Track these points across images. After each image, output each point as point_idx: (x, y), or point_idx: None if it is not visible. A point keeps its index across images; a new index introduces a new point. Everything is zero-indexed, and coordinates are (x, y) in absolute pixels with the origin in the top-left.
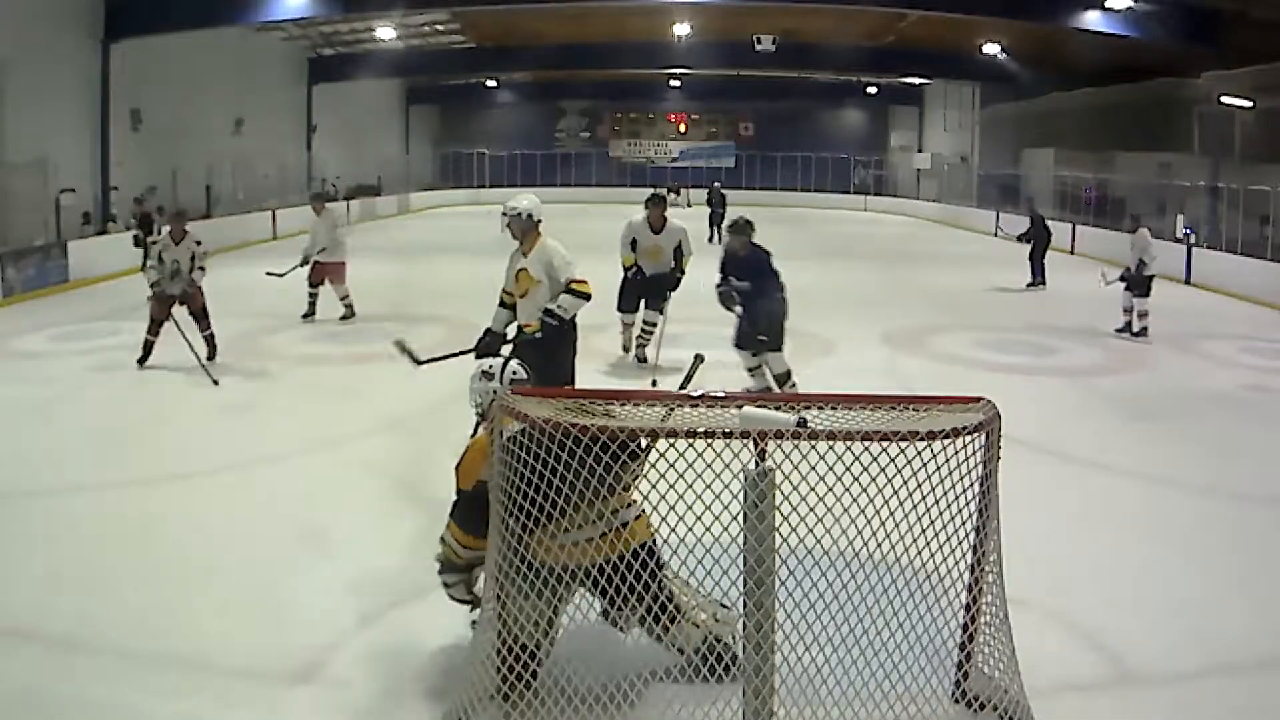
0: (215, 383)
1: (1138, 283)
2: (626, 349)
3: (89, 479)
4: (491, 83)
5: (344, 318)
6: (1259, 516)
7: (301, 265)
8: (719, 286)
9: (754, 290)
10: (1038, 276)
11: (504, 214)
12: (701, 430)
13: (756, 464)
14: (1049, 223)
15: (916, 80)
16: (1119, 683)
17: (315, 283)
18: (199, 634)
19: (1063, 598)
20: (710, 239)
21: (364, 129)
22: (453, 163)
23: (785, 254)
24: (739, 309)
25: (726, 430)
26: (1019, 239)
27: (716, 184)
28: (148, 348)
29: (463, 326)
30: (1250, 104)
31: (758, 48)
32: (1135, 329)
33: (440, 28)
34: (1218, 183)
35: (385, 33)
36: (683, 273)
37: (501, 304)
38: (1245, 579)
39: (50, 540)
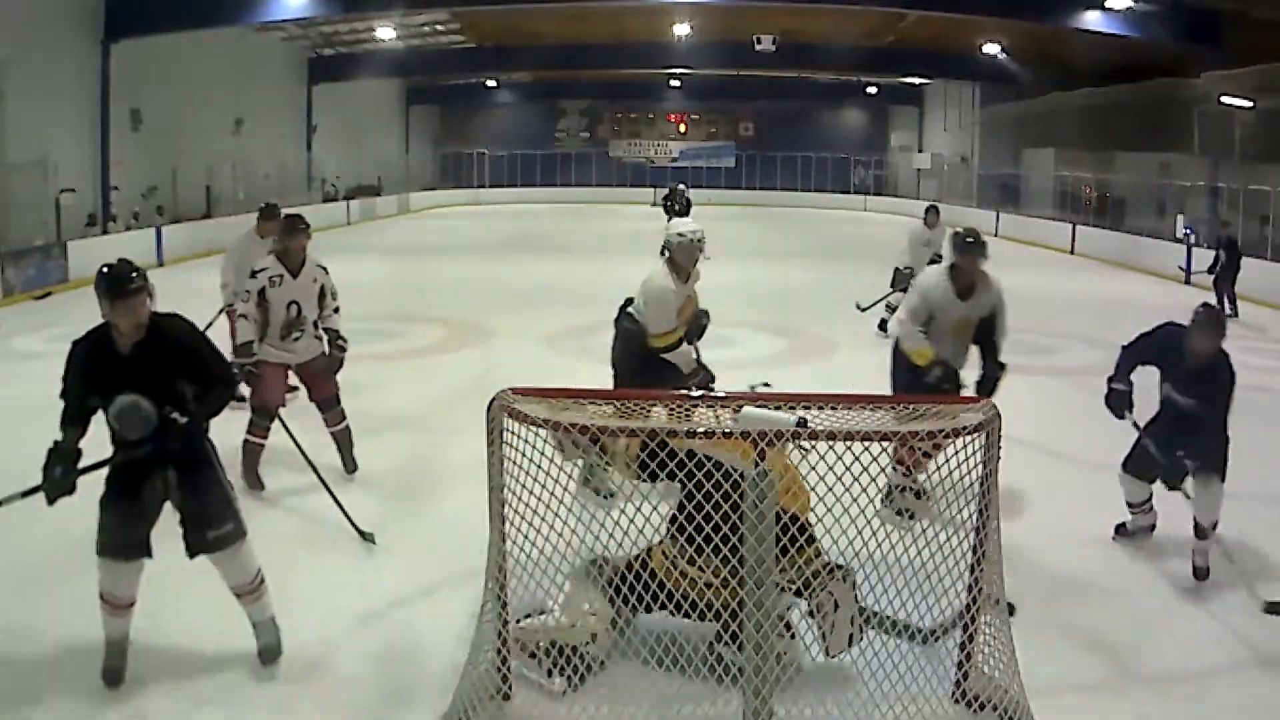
0: (369, 539)
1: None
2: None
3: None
4: (491, 83)
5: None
6: (1259, 516)
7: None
8: (1115, 384)
9: (1200, 411)
10: (1231, 306)
11: (693, 240)
12: (702, 430)
13: (756, 464)
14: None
15: (916, 80)
16: (1119, 683)
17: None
18: (200, 634)
19: (1063, 598)
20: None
21: (364, 129)
22: (453, 163)
23: (786, 254)
24: (1134, 420)
25: (726, 430)
26: (1209, 270)
27: (681, 185)
28: (254, 458)
29: (462, 326)
30: (1250, 104)
31: (758, 48)
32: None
33: (440, 28)
34: (1218, 183)
35: (385, 33)
36: (1004, 368)
37: (680, 343)
38: (1245, 579)
39: (50, 540)
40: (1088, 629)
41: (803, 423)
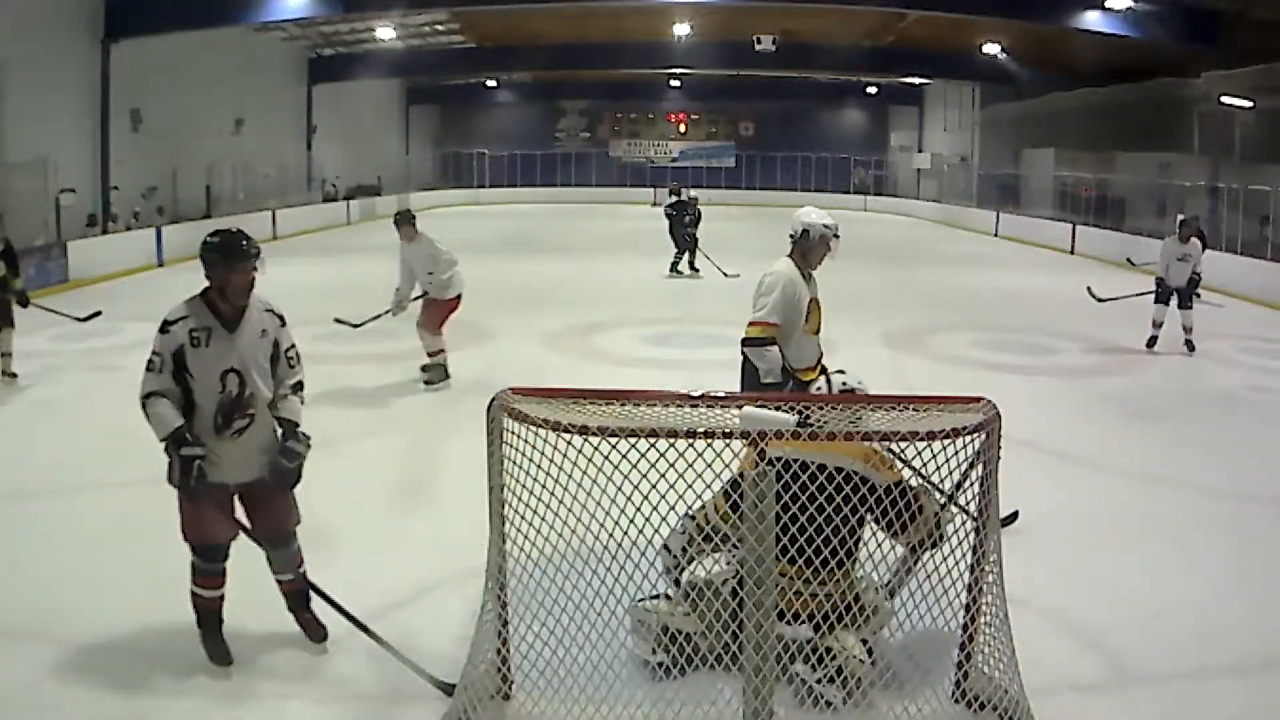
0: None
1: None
2: None
3: (89, 479)
4: (491, 83)
5: (430, 382)
6: (1259, 516)
7: (392, 311)
8: None
9: None
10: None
11: (831, 233)
12: (702, 430)
13: (756, 464)
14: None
15: (916, 80)
16: (1119, 683)
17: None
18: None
19: (1063, 598)
20: (676, 265)
21: (364, 129)
22: (453, 163)
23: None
24: None
25: (726, 430)
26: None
27: (692, 195)
28: (210, 620)
29: (462, 326)
30: (1250, 104)
31: (758, 48)
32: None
33: (440, 28)
34: (1218, 183)
35: (385, 33)
36: None
37: (770, 342)
38: (1245, 579)
39: (50, 540)
40: (1088, 629)
41: (803, 423)
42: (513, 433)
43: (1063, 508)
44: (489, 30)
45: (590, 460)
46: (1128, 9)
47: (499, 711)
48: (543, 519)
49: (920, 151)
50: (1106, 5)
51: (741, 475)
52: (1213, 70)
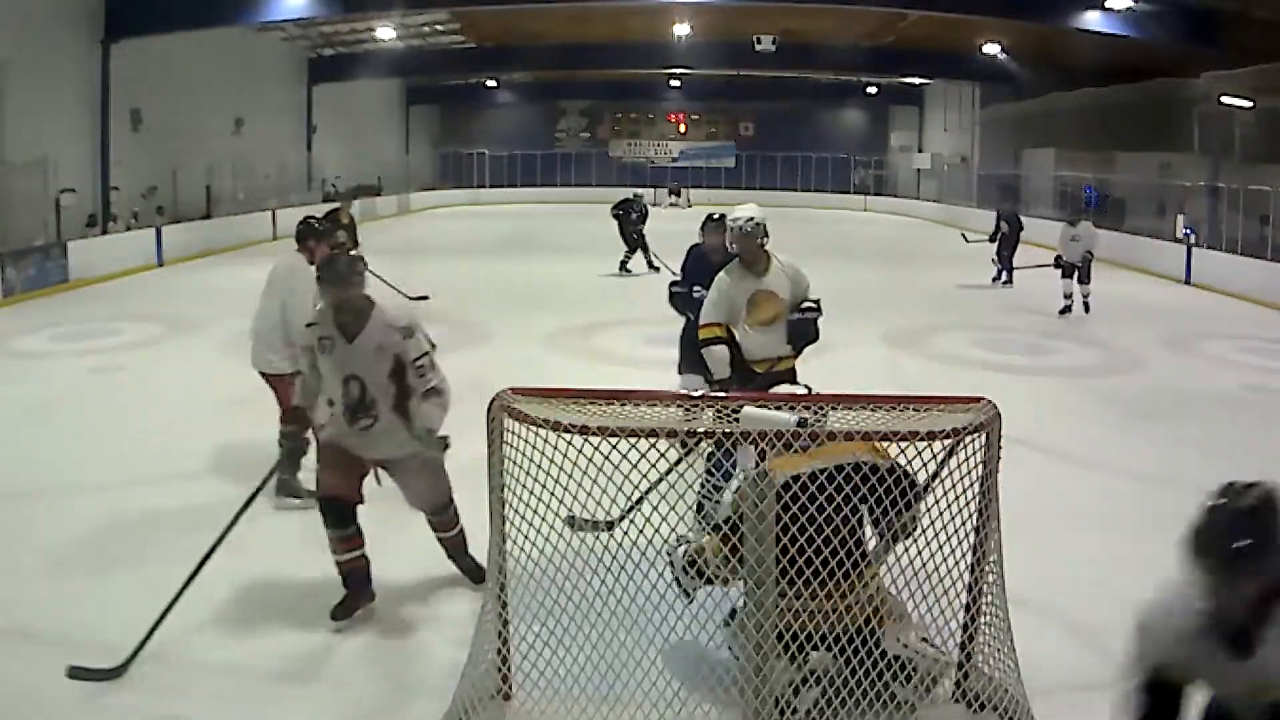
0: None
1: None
2: None
3: (89, 479)
4: (491, 83)
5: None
6: None
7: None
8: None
9: None
10: (1007, 275)
11: (741, 227)
12: (702, 430)
13: (756, 464)
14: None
15: (916, 80)
16: (1119, 683)
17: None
18: (199, 634)
19: (1063, 598)
20: (625, 264)
21: (364, 129)
22: (453, 163)
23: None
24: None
25: (726, 430)
26: (990, 239)
27: (637, 193)
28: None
29: (463, 326)
30: (1250, 104)
31: (758, 48)
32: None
33: (440, 28)
34: (1218, 183)
35: (385, 33)
36: None
37: (714, 341)
38: None
39: (50, 540)
40: (1088, 629)
41: (803, 422)
42: (513, 433)
43: (1062, 507)
44: (489, 30)
45: (590, 460)
46: (1128, 9)
47: (499, 711)
48: (543, 519)
49: (920, 151)
50: (1106, 5)
51: (740, 518)
52: (1213, 70)
